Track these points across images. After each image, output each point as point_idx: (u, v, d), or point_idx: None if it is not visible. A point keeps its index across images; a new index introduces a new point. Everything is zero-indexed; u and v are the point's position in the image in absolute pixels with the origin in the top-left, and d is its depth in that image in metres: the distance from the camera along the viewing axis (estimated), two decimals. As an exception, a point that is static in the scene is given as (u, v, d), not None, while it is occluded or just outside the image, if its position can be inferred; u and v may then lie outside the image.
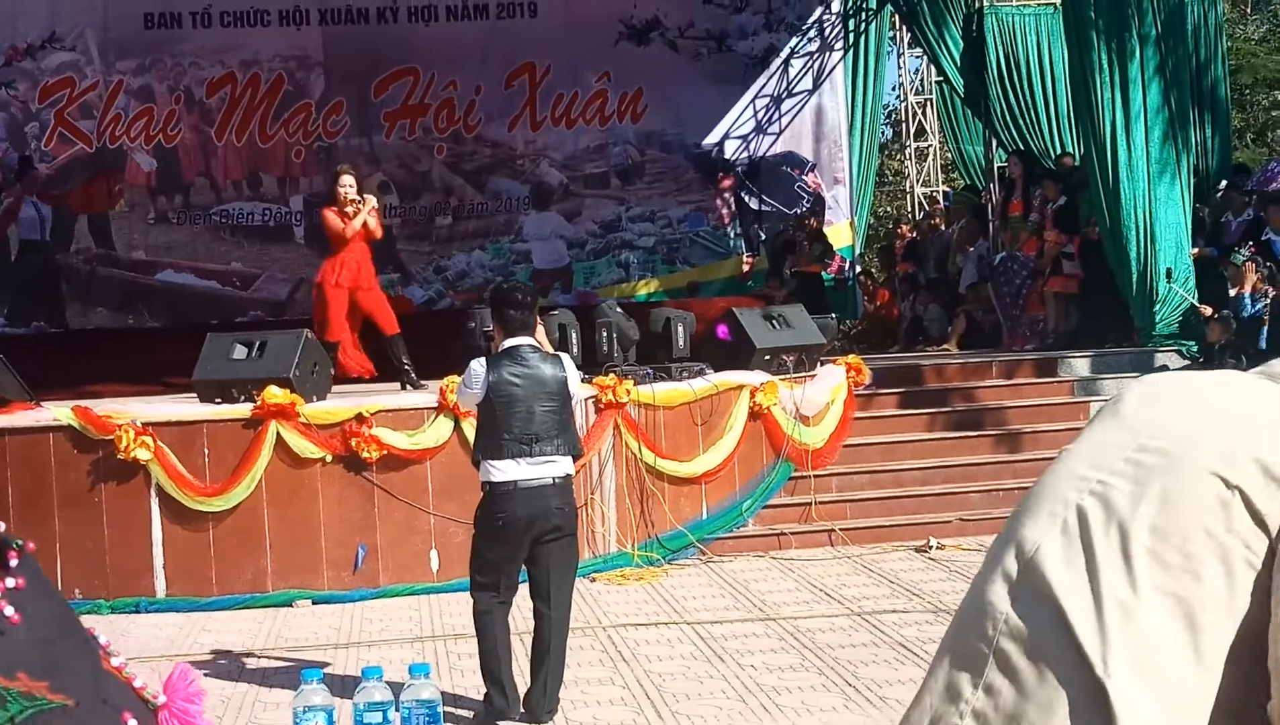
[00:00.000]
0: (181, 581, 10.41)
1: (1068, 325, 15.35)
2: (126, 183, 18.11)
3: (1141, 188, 13.79)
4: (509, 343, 7.06)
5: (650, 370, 11.85)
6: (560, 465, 6.96)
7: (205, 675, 8.42)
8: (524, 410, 6.88)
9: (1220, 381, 1.72)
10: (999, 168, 17.97)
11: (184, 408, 10.80)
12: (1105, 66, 13.82)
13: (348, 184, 12.02)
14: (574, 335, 11.97)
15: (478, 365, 7.07)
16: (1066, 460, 1.76)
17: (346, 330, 12.12)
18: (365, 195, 12.27)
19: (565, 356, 7.32)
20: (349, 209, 11.91)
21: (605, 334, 12.07)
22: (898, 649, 8.27)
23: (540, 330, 7.43)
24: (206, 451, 10.43)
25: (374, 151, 18.06)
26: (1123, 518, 1.60)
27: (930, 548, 11.30)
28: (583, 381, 11.24)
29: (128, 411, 10.59)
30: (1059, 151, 17.28)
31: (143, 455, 10.24)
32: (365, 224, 11.95)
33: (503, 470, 6.86)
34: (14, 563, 1.18)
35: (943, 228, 19.35)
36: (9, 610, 1.15)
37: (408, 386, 11.87)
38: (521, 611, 7.39)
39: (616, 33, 18.74)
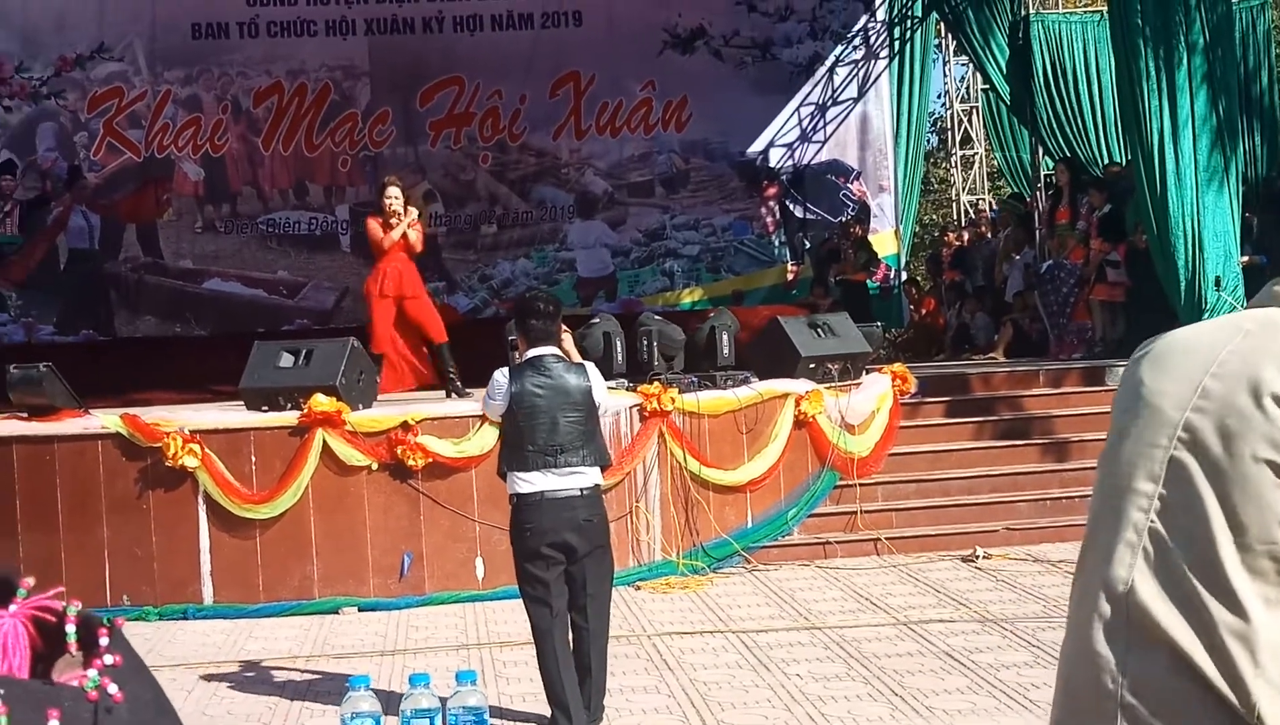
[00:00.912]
0: (229, 588, 10.46)
1: (1114, 333, 15.25)
2: (174, 192, 18.24)
3: (1189, 195, 13.68)
4: (532, 353, 6.96)
5: (695, 378, 11.84)
6: (587, 476, 6.85)
7: (253, 682, 8.46)
8: (548, 421, 6.78)
9: (1219, 322, 1.70)
10: (1045, 175, 17.89)
11: (231, 416, 10.85)
12: (1152, 74, 13.72)
13: (392, 195, 12.07)
14: (619, 343, 11.98)
15: (500, 376, 6.97)
16: (1115, 472, 1.72)
17: (390, 341, 12.15)
18: (410, 207, 12.31)
19: (590, 366, 7.20)
20: (392, 221, 11.97)
21: (646, 342, 12.07)
22: (944, 658, 8.23)
23: (567, 339, 7.33)
24: (253, 459, 10.48)
25: (419, 160, 18.13)
26: (1199, 534, 1.57)
27: (977, 557, 11.24)
28: (627, 389, 11.26)
29: (176, 419, 10.64)
30: (1106, 159, 17.19)
31: (190, 463, 10.29)
32: (405, 236, 12.00)
33: (530, 482, 6.77)
34: (105, 640, 1.19)
35: (989, 236, 19.28)
36: (113, 688, 1.16)
37: (453, 394, 11.91)
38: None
39: (661, 41, 18.77)
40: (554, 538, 6.74)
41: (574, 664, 6.90)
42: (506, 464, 6.92)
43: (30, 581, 1.19)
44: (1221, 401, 1.61)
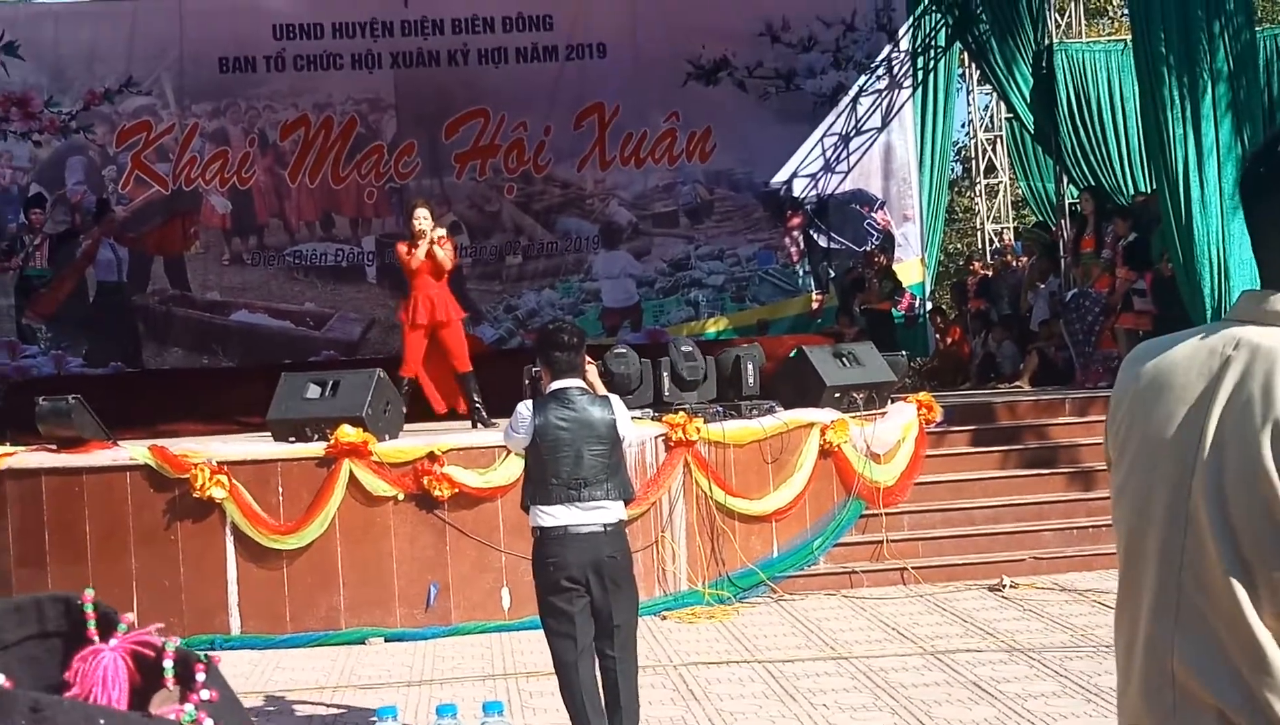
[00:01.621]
0: (256, 619, 10.49)
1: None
2: (202, 224, 18.34)
3: (1215, 224, 13.68)
4: (556, 385, 6.90)
5: (720, 408, 11.86)
6: (611, 511, 6.79)
7: (280, 713, 8.48)
8: (572, 454, 6.73)
9: (1195, 347, 1.70)
10: (1070, 204, 17.88)
11: (258, 447, 10.90)
12: (1176, 102, 13.73)
13: (421, 216, 12.10)
14: (643, 374, 12.00)
15: (524, 409, 6.91)
16: (1137, 520, 1.71)
17: (419, 370, 12.19)
18: (436, 227, 12.32)
19: (615, 398, 7.11)
20: (419, 242, 12.01)
21: (665, 373, 12.10)
22: (971, 689, 8.21)
23: (591, 371, 7.27)
24: (281, 490, 10.52)
25: (445, 192, 18.20)
26: (1218, 586, 1.57)
27: (1004, 586, 11.22)
28: (652, 419, 11.28)
29: (203, 451, 10.70)
30: (1130, 187, 17.19)
31: (218, 494, 10.34)
32: (433, 255, 12.02)
33: (553, 515, 6.72)
34: (201, 675, 1.22)
35: (1014, 265, 19.27)
36: (208, 723, 1.20)
37: (478, 424, 11.94)
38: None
39: (685, 73, 18.84)
40: (576, 572, 6.67)
41: (602, 698, 6.83)
42: (530, 498, 6.86)
43: (130, 617, 1.23)
44: (1223, 454, 1.60)
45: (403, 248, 12.26)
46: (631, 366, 11.86)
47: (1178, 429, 1.65)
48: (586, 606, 6.78)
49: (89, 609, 1.22)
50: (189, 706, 1.18)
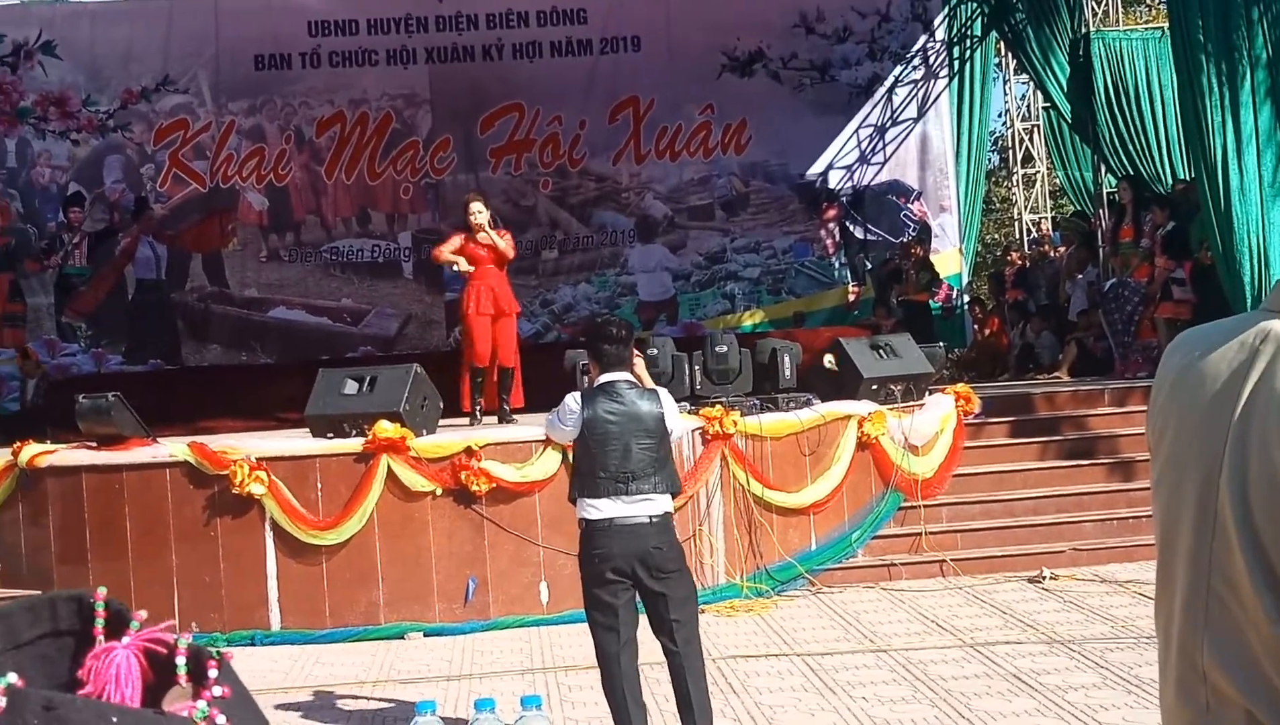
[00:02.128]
0: (295, 614, 10.53)
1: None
2: (239, 221, 18.44)
3: (1254, 211, 13.58)
4: (605, 378, 6.86)
5: (757, 401, 11.84)
6: (658, 503, 6.75)
7: (320, 708, 8.51)
8: (620, 447, 6.70)
9: (1231, 334, 1.67)
10: (1108, 193, 17.78)
11: (297, 443, 10.93)
12: (1215, 89, 13.63)
13: (475, 210, 12.05)
14: (680, 367, 11.98)
15: (573, 402, 6.88)
16: (1168, 517, 1.69)
17: (488, 359, 12.10)
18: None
19: (663, 392, 7.09)
20: (479, 236, 11.95)
21: (697, 367, 12.06)
22: (1011, 681, 8.18)
23: (639, 364, 7.25)
24: (319, 486, 10.55)
25: (480, 187, 18.20)
26: (1243, 588, 1.55)
27: (1044, 578, 11.17)
28: (688, 412, 11.26)
29: (242, 447, 10.73)
30: (1169, 175, 17.08)
31: (257, 490, 10.38)
32: (495, 245, 11.98)
33: (599, 508, 6.69)
34: (213, 672, 1.22)
35: (1052, 255, 19.18)
36: (221, 719, 1.19)
37: (475, 421, 11.88)
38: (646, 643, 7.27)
39: (719, 65, 18.82)
40: (622, 564, 6.64)
41: (677, 693, 6.78)
42: (577, 490, 6.83)
43: (143, 614, 1.23)
44: (1246, 452, 1.58)
45: (458, 240, 12.13)
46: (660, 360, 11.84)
47: (1206, 423, 1.63)
48: (631, 600, 6.75)
49: (100, 607, 1.21)
50: (201, 703, 1.18)
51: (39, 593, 1.34)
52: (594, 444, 6.74)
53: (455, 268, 12.14)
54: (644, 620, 6.83)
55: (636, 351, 7.19)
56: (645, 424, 6.77)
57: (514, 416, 11.87)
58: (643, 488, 6.70)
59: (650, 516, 6.70)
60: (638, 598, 6.80)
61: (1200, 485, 1.62)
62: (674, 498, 6.96)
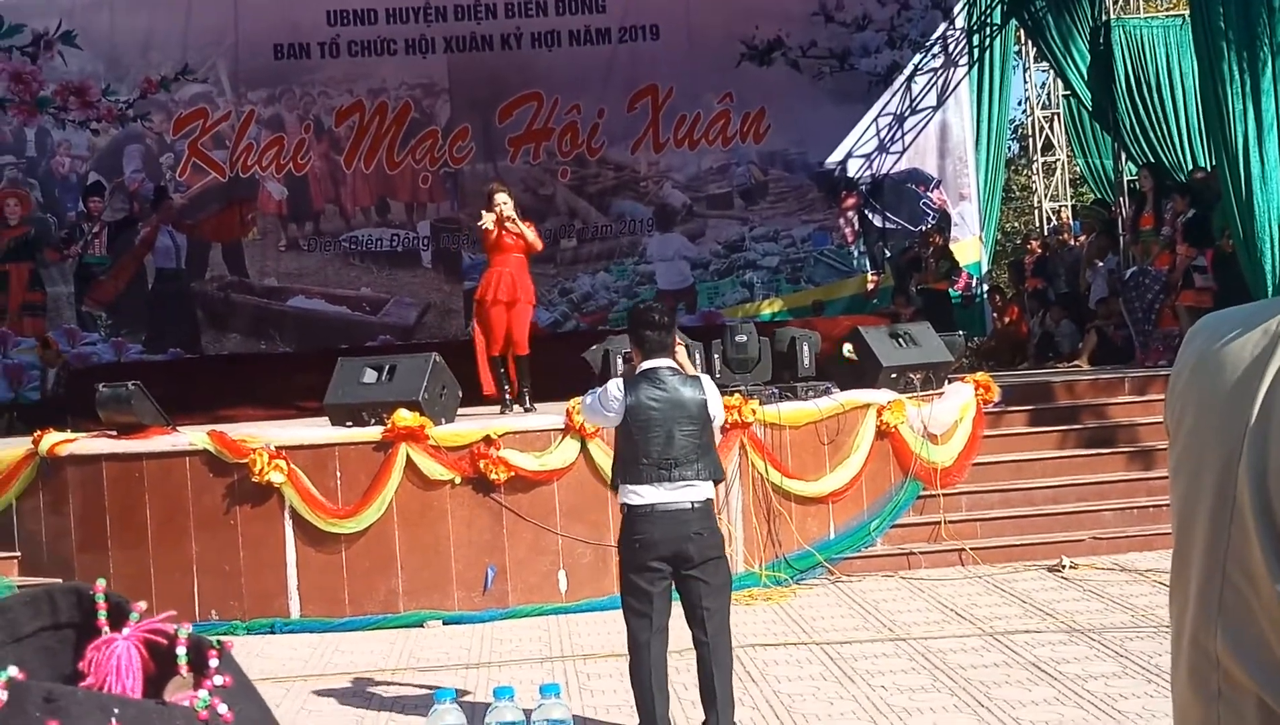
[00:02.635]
0: (315, 603, 10.55)
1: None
2: (258, 211, 18.47)
3: (1275, 199, 13.51)
4: (647, 364, 6.84)
5: (776, 390, 11.82)
6: (700, 489, 6.73)
7: (340, 695, 8.53)
8: (663, 434, 6.68)
9: (1255, 319, 1.65)
10: (1128, 181, 17.71)
11: (316, 431, 10.95)
12: (1236, 76, 13.56)
13: (500, 201, 12.03)
14: (697, 356, 11.98)
15: (616, 388, 6.86)
16: (1185, 502, 1.67)
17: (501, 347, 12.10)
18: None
19: (706, 378, 7.07)
20: (508, 224, 11.93)
21: (719, 356, 12.05)
22: (1030, 669, 8.16)
23: (680, 351, 7.21)
24: (338, 474, 10.57)
25: (499, 176, 18.22)
26: (1258, 575, 1.54)
27: (1063, 567, 11.14)
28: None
29: (262, 435, 10.76)
30: (1190, 163, 17.01)
31: (276, 478, 10.40)
32: (524, 237, 11.97)
33: (641, 494, 6.67)
34: (214, 661, 1.22)
35: (1072, 243, 19.12)
36: (222, 708, 1.19)
37: (518, 408, 11.86)
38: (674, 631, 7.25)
39: (738, 53, 18.79)
40: (664, 550, 6.63)
41: (702, 681, 6.78)
42: (619, 476, 6.81)
43: (142, 605, 1.23)
44: (1266, 440, 1.56)
45: (486, 227, 12.12)
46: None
47: (1226, 410, 1.62)
48: (668, 589, 6.74)
49: (100, 599, 1.21)
50: (202, 693, 1.18)
51: (38, 587, 1.33)
52: (637, 430, 6.72)
53: (480, 225, 12.08)
54: (677, 609, 6.82)
55: (679, 339, 7.15)
56: (688, 410, 6.76)
57: (534, 406, 11.88)
58: (685, 474, 6.69)
59: (693, 502, 6.70)
60: (673, 587, 6.79)
61: (1219, 472, 1.61)
62: (716, 485, 6.94)
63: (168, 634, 1.20)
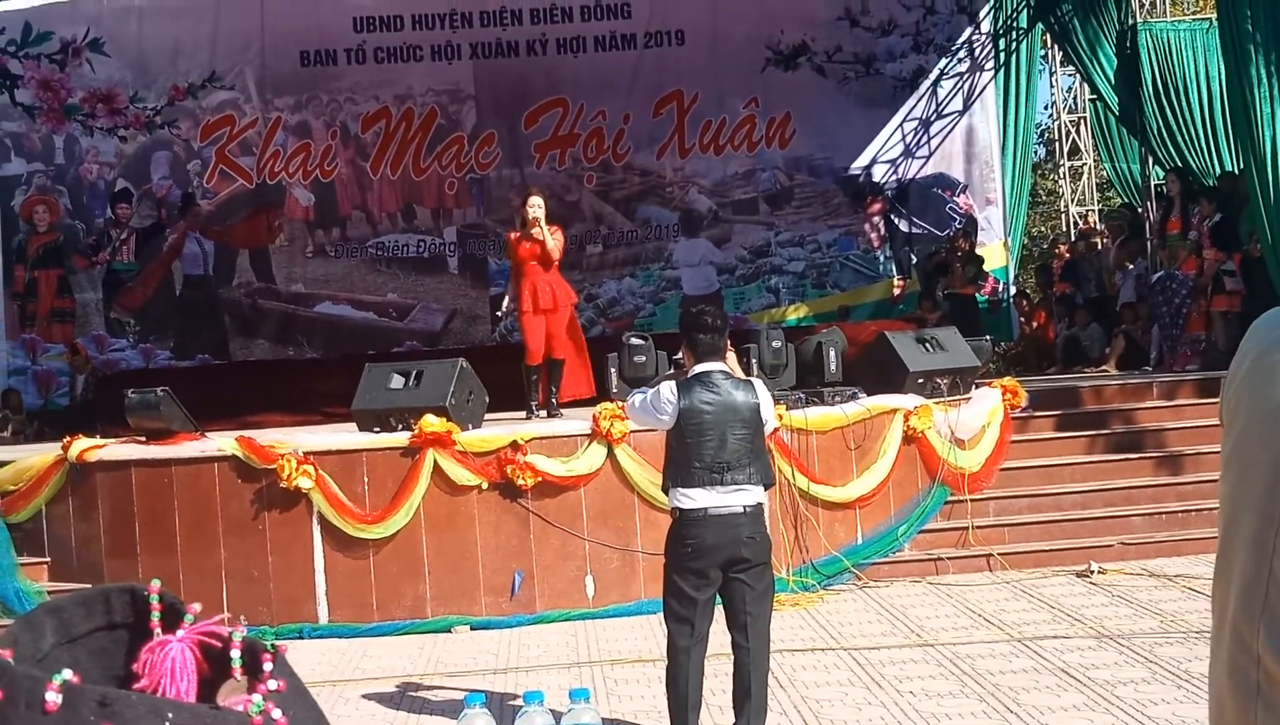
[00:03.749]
0: (343, 608, 10.57)
1: (1229, 343, 15.02)
2: (285, 217, 18.54)
3: (1304, 203, 13.46)
4: (700, 368, 6.81)
5: (802, 394, 11.81)
6: (751, 494, 6.70)
7: (369, 701, 8.55)
8: (716, 437, 6.65)
9: None
10: (1155, 185, 17.65)
11: (344, 437, 10.97)
12: (1264, 80, 13.52)
13: (534, 204, 11.96)
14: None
15: (669, 391, 6.80)
16: (1233, 499, 1.67)
17: (545, 355, 12.09)
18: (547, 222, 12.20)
19: (758, 382, 7.05)
20: (533, 230, 11.89)
21: (755, 362, 12.03)
22: (1059, 675, 8.14)
23: (731, 356, 7.15)
24: (366, 480, 10.59)
25: (525, 182, 18.23)
26: None
27: (1092, 572, 11.11)
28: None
29: (290, 441, 10.78)
30: (1217, 167, 16.95)
31: (304, 484, 10.42)
32: (544, 244, 11.94)
33: (693, 498, 6.64)
34: (269, 665, 1.23)
35: (1101, 246, 19.07)
36: (276, 713, 1.20)
37: (533, 415, 11.85)
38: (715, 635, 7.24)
39: (764, 58, 18.80)
40: (716, 555, 6.60)
41: (737, 685, 6.76)
42: (670, 480, 6.78)
43: (197, 607, 1.23)
44: None
45: (513, 236, 12.15)
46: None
47: (1278, 409, 1.62)
48: (712, 597, 6.72)
49: (155, 600, 1.22)
50: (256, 697, 1.18)
51: (90, 586, 1.33)
52: (690, 434, 6.69)
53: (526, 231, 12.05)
54: (717, 614, 6.81)
55: (730, 343, 7.13)
56: (741, 414, 6.73)
57: (560, 411, 11.88)
58: (737, 478, 6.66)
59: (745, 506, 6.67)
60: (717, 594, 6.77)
61: (1268, 469, 1.61)
62: (767, 489, 6.91)
63: (222, 637, 1.21)
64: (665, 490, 6.88)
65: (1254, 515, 1.62)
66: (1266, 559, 1.59)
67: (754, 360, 12.01)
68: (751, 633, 6.70)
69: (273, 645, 1.23)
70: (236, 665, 1.20)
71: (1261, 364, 1.67)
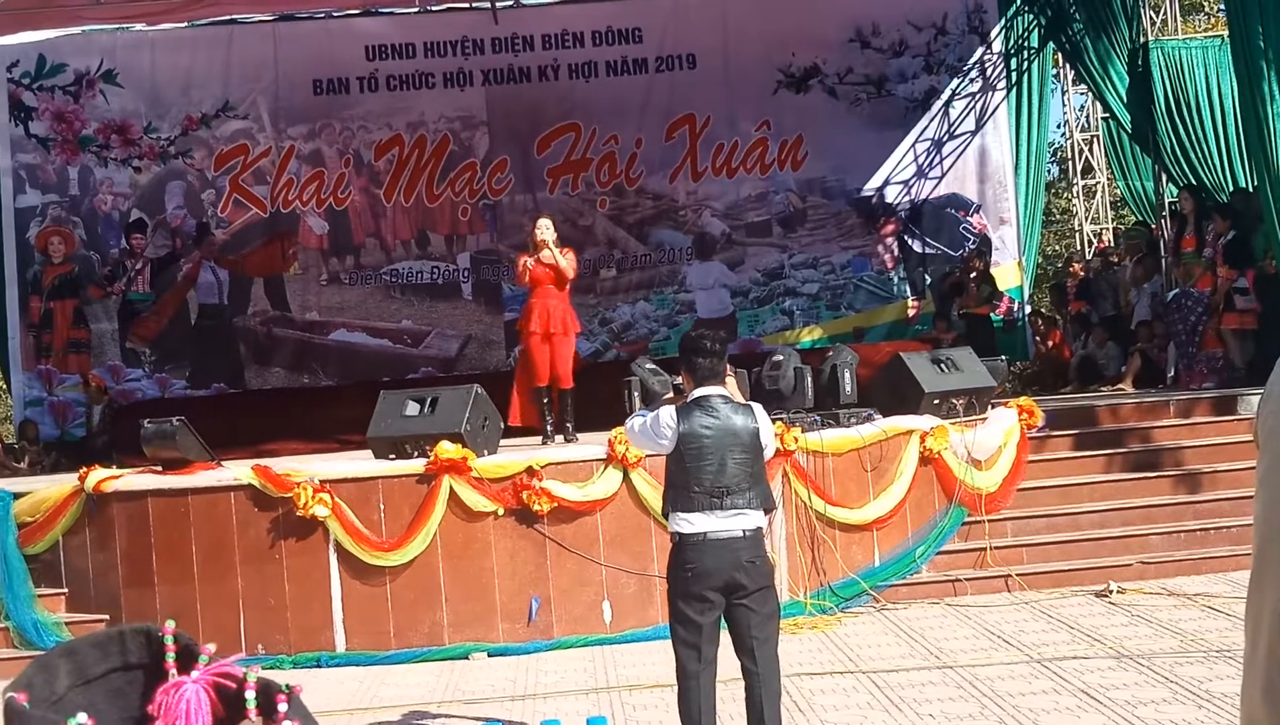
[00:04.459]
0: (360, 636, 10.57)
1: (1244, 361, 14.98)
2: (300, 245, 18.58)
3: (1318, 219, 13.43)
4: (699, 392, 6.81)
5: (818, 417, 11.79)
6: (751, 518, 6.70)
7: (385, 728, 8.54)
8: (715, 462, 6.65)
9: None
10: (1169, 203, 17.62)
11: (359, 465, 10.98)
12: (1277, 96, 13.51)
13: (543, 226, 12.06)
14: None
15: (668, 416, 6.79)
16: (1269, 517, 1.66)
17: (547, 378, 12.14)
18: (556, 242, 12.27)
19: (758, 407, 7.02)
20: (544, 253, 11.96)
21: (750, 383, 12.02)
22: (1080, 696, 8.10)
23: (731, 380, 7.13)
24: (382, 507, 10.59)
25: (538, 207, 18.26)
26: None
27: (1110, 592, 11.07)
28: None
29: (306, 469, 10.79)
30: (1231, 184, 16.91)
31: (321, 512, 10.42)
32: (556, 265, 11.99)
33: (692, 522, 6.64)
34: (283, 705, 1.22)
35: (1116, 264, 19.03)
36: None
37: (549, 440, 11.91)
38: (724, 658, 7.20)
39: (775, 81, 18.82)
40: (716, 579, 6.59)
41: (750, 712, 6.73)
42: (670, 504, 6.78)
43: (211, 648, 1.23)
44: None
45: (523, 259, 12.21)
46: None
47: None
48: (717, 620, 6.70)
49: (169, 641, 1.22)
50: None
51: (107, 627, 1.32)
52: (689, 458, 6.69)
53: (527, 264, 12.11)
54: (725, 638, 6.78)
55: (730, 368, 7.12)
56: (740, 439, 6.73)
57: (576, 436, 11.90)
58: (737, 502, 6.65)
59: (744, 530, 6.66)
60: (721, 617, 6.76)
61: None
62: (767, 514, 6.90)
63: (236, 677, 1.20)
64: (665, 515, 6.88)
65: None
66: None
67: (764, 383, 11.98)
68: (760, 657, 6.68)
69: (287, 686, 1.23)
70: (251, 706, 1.20)
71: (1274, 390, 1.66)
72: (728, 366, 7.00)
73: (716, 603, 6.65)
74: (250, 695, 1.20)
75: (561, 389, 12.16)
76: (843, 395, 12.27)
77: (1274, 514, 1.64)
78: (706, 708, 6.68)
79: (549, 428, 12.02)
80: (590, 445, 11.12)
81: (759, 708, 6.69)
